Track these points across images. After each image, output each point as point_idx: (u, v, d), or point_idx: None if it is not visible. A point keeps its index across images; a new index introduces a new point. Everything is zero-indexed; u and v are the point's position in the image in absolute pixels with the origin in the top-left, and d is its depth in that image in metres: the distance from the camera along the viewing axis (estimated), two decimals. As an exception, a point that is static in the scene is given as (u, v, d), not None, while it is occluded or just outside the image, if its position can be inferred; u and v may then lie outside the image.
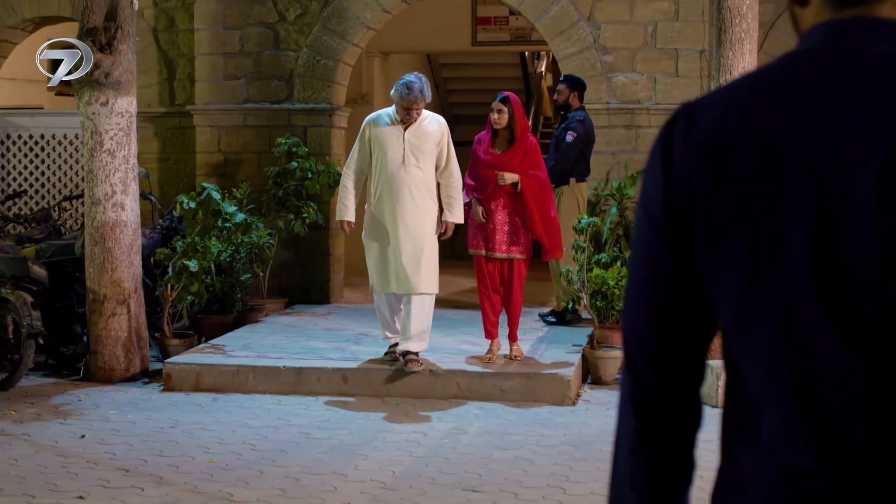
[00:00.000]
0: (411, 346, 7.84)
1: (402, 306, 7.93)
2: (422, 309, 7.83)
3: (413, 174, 7.73)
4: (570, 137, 9.56)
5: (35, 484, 5.79)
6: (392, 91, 7.76)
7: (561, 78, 10.11)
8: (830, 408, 1.34)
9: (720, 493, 1.48)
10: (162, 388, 8.17)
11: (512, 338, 8.20)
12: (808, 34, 1.44)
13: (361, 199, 8.17)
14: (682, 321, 1.49)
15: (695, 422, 1.55)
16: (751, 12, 7.84)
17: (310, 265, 11.27)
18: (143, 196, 9.55)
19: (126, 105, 8.50)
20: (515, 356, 8.15)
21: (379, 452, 6.46)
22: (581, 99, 9.89)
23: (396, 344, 8.01)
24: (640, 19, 10.58)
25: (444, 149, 7.84)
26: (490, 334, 8.20)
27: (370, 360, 8.21)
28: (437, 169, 7.83)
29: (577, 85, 9.87)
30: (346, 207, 7.95)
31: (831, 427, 1.34)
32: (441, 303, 9.26)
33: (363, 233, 7.97)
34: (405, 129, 7.74)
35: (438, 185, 7.91)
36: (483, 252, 8.06)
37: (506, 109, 8.02)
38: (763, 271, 1.37)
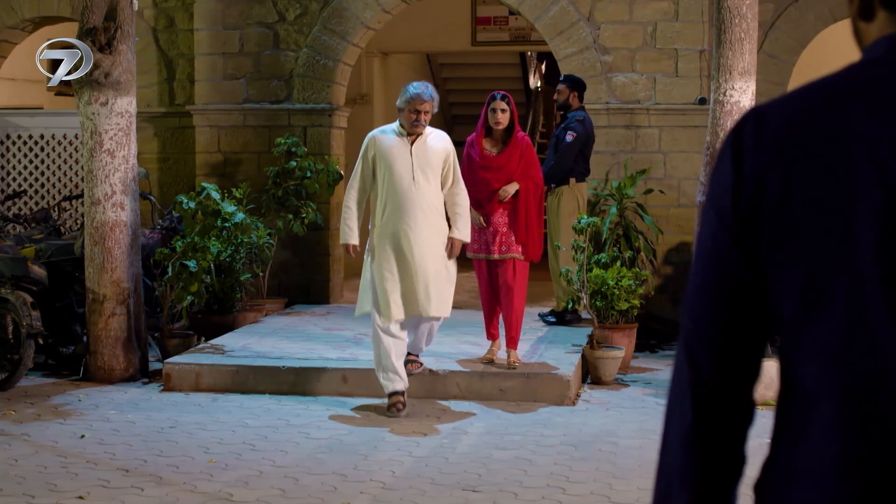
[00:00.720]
0: (416, 351, 7.78)
1: (410, 330, 7.51)
2: (433, 331, 7.65)
3: (423, 191, 7.27)
4: (569, 137, 9.56)
5: (35, 484, 5.79)
6: (398, 100, 7.36)
7: (561, 78, 10.12)
8: (890, 404, 1.37)
9: (768, 486, 1.51)
10: (162, 388, 8.17)
11: (511, 344, 7.99)
12: (873, 45, 1.50)
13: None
14: (744, 316, 1.53)
15: (749, 417, 1.57)
16: (750, 12, 7.84)
17: (309, 265, 11.28)
18: (143, 196, 9.56)
19: (126, 105, 8.51)
20: (513, 363, 7.91)
21: (379, 452, 6.46)
22: (581, 99, 9.89)
23: (396, 392, 7.33)
24: (640, 19, 10.58)
25: (451, 166, 7.42)
26: (491, 335, 8.13)
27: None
28: (442, 187, 7.41)
29: (576, 85, 9.87)
30: (350, 230, 7.38)
31: (887, 422, 1.37)
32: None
33: (367, 255, 7.42)
34: (412, 144, 7.30)
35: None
36: (483, 255, 7.93)
37: (508, 109, 7.84)
38: (830, 269, 1.42)
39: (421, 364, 7.80)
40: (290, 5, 11.22)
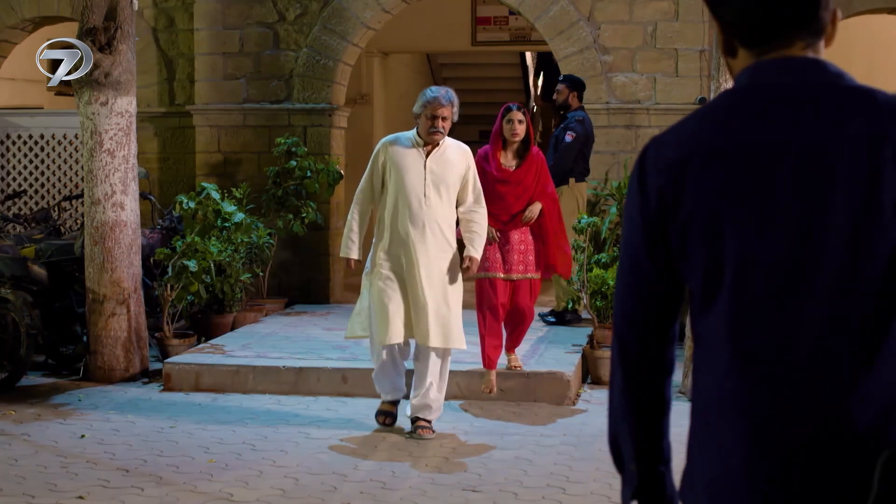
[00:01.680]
0: (425, 414, 6.83)
1: (414, 361, 6.94)
2: (444, 367, 6.87)
3: (434, 208, 6.69)
4: (569, 137, 9.55)
5: (35, 484, 5.79)
6: (415, 105, 6.80)
7: (560, 78, 10.12)
8: (760, 353, 1.88)
9: (691, 445, 2.00)
10: (162, 388, 8.17)
11: (510, 349, 7.82)
12: (739, 76, 1.98)
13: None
14: (656, 299, 2.04)
15: (668, 371, 2.10)
16: (750, 12, 7.84)
17: (309, 265, 11.28)
18: (143, 196, 9.56)
19: (126, 105, 8.51)
20: (515, 366, 7.76)
21: (378, 452, 6.46)
22: (580, 99, 9.89)
23: (393, 402, 7.04)
24: (640, 19, 10.58)
25: (471, 181, 6.87)
26: (491, 363, 7.58)
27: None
28: (458, 204, 6.87)
29: (576, 85, 9.87)
30: (352, 243, 6.82)
31: (757, 362, 1.87)
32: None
33: (365, 272, 6.88)
34: (427, 156, 6.73)
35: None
36: (501, 275, 7.51)
37: (525, 120, 7.50)
38: (719, 259, 1.89)
39: (434, 432, 6.85)
40: (290, 5, 11.22)
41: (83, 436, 6.80)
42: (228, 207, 9.67)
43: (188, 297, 9.05)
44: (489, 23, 14.16)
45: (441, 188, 6.72)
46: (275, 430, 6.96)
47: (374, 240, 6.87)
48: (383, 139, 6.96)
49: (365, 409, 7.45)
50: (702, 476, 1.96)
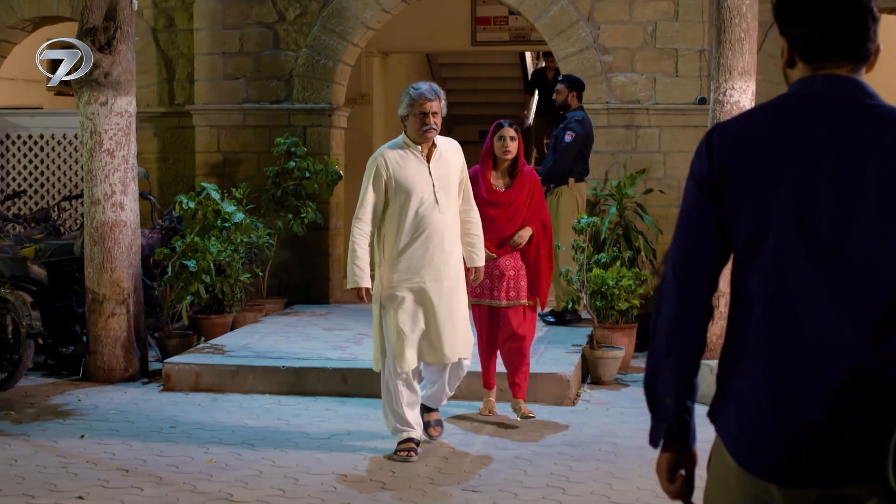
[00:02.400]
0: (434, 405, 6.80)
1: (429, 379, 6.69)
2: (459, 377, 6.71)
3: (447, 215, 6.32)
4: (568, 137, 9.55)
5: (34, 484, 5.79)
6: (399, 109, 6.37)
7: (560, 78, 10.11)
8: (790, 303, 2.36)
9: (725, 360, 2.47)
10: (161, 388, 8.17)
11: (520, 394, 7.22)
12: (793, 84, 2.49)
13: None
14: (709, 248, 2.49)
15: (708, 315, 2.51)
16: (750, 12, 7.84)
17: (309, 265, 11.27)
18: (143, 196, 9.55)
19: (125, 105, 8.50)
20: (525, 415, 7.13)
21: (378, 452, 6.45)
22: (580, 99, 9.88)
23: (409, 440, 6.38)
24: (640, 19, 10.58)
25: (465, 179, 6.53)
26: (489, 384, 7.38)
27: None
28: None
29: (575, 85, 9.87)
30: (361, 271, 6.25)
31: (788, 313, 2.35)
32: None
33: (377, 297, 6.37)
34: (428, 160, 6.33)
35: None
36: (486, 301, 7.11)
37: (517, 137, 7.10)
38: (764, 221, 2.38)
39: (442, 427, 6.81)
40: (289, 5, 11.22)
41: (83, 436, 6.80)
42: (228, 207, 9.66)
43: (188, 298, 9.04)
44: (489, 23, 14.15)
45: (449, 190, 6.36)
46: (274, 431, 6.96)
47: (378, 262, 6.40)
48: (377, 153, 6.41)
49: (364, 409, 7.46)
50: (735, 400, 2.42)
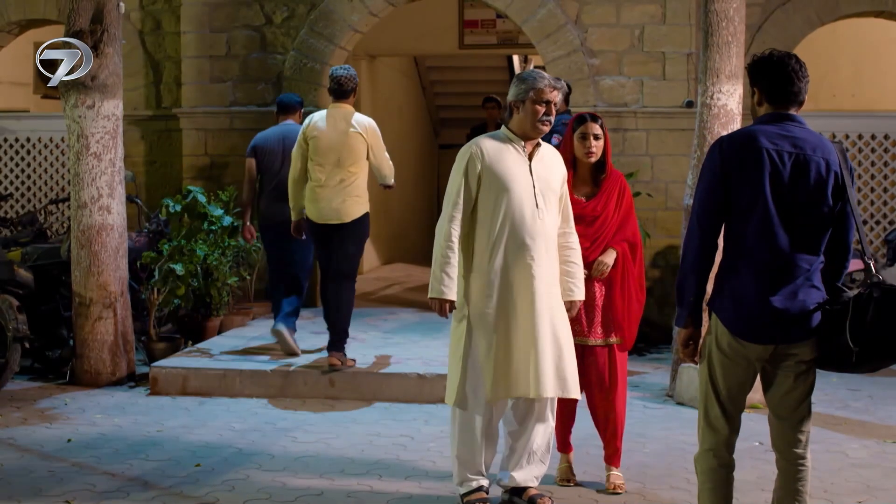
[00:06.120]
0: (534, 472, 5.49)
1: (513, 421, 5.48)
2: (550, 420, 5.48)
3: (547, 225, 5.32)
4: (556, 141, 9.54)
5: (21, 488, 5.76)
6: (510, 93, 5.37)
7: (548, 81, 10.10)
8: (772, 258, 4.07)
9: (718, 297, 4.18)
10: (148, 391, 8.15)
11: (615, 461, 5.89)
12: (763, 116, 4.18)
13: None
14: (719, 209, 4.12)
15: (715, 249, 4.14)
16: (737, 16, 7.85)
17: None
18: (130, 199, 9.53)
19: (112, 108, 8.49)
20: (617, 487, 5.77)
21: (366, 456, 6.45)
22: (567, 102, 9.89)
23: (480, 488, 5.40)
24: (627, 22, 10.60)
25: (565, 194, 5.50)
26: (568, 446, 6.03)
27: (357, 364, 8.20)
28: None
29: (563, 88, 9.85)
30: (450, 280, 5.24)
31: (773, 264, 4.07)
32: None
33: (459, 321, 5.36)
34: (530, 158, 5.36)
35: None
36: (575, 339, 5.57)
37: (602, 135, 5.79)
38: (754, 197, 4.04)
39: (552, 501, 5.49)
40: (277, 8, 11.21)
41: (69, 440, 6.78)
42: (215, 211, 9.65)
43: (174, 301, 9.02)
44: (476, 26, 14.16)
45: (550, 198, 5.36)
46: (262, 434, 6.94)
47: (463, 273, 5.37)
48: (469, 143, 5.41)
49: (352, 413, 7.45)
50: (730, 294, 4.12)
